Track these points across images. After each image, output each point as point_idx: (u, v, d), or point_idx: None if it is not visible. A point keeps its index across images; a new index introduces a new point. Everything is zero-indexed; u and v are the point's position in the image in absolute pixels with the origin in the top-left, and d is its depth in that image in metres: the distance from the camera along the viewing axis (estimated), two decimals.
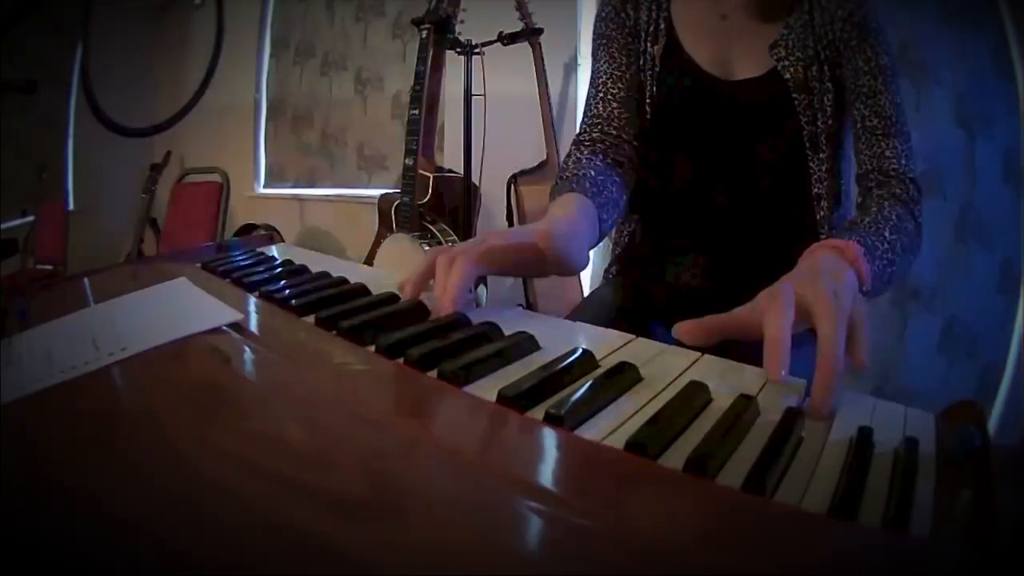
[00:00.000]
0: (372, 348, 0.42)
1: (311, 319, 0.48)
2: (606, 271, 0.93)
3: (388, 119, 2.90)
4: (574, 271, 0.60)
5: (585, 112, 0.83)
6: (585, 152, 0.78)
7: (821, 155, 0.74)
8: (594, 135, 0.80)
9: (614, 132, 0.80)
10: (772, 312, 0.41)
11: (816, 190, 0.75)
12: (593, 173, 0.72)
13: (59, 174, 3.62)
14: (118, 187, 3.55)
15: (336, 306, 0.50)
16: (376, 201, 2.10)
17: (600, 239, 0.71)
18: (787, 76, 0.73)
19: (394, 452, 0.29)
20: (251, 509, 0.24)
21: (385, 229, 2.05)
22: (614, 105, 0.80)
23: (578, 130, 0.82)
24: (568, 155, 0.80)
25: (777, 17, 0.75)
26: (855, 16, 0.71)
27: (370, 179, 3.00)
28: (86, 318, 0.51)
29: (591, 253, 0.69)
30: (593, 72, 0.84)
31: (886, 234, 0.61)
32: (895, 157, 0.70)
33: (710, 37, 0.79)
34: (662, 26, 0.80)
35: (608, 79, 0.81)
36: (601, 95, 0.81)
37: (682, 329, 0.45)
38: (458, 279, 0.49)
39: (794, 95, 0.73)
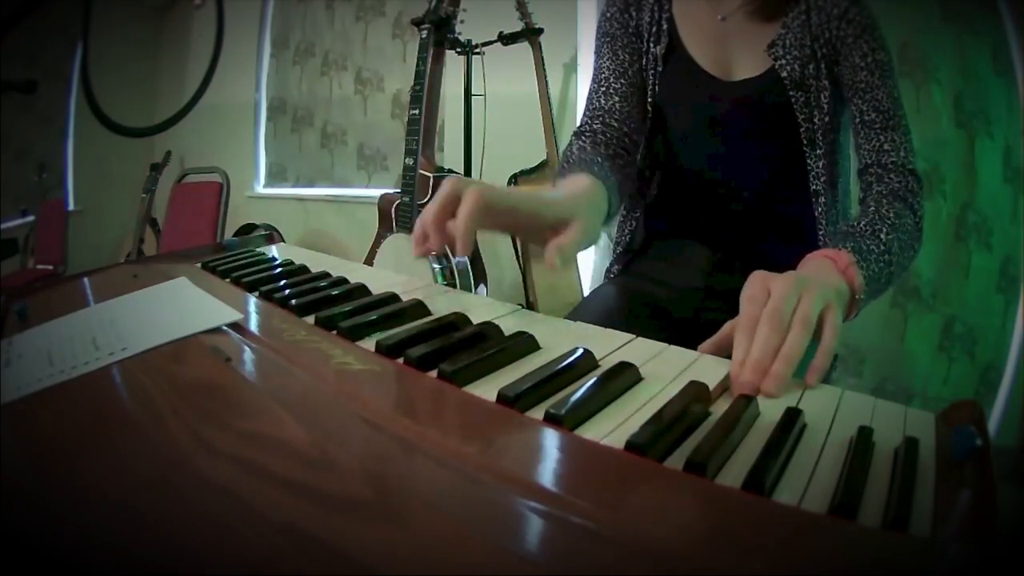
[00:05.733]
0: (372, 348, 0.42)
1: (311, 319, 0.48)
2: (607, 271, 0.93)
3: (388, 119, 2.90)
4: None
5: (586, 106, 0.83)
6: (587, 143, 0.78)
7: (818, 151, 0.75)
8: (595, 127, 0.80)
9: (615, 125, 0.80)
10: (737, 338, 0.44)
11: (814, 186, 0.76)
12: (599, 159, 0.72)
13: (59, 174, 3.62)
14: (118, 187, 3.54)
15: (336, 306, 0.50)
16: (376, 201, 2.10)
17: (608, 220, 0.71)
18: (784, 75, 0.74)
19: (394, 452, 0.29)
20: (251, 509, 0.24)
21: (385, 229, 2.04)
22: (616, 99, 0.81)
23: (578, 123, 0.83)
24: (569, 145, 0.80)
25: (775, 17, 0.76)
26: (850, 13, 0.72)
27: (370, 179, 3.00)
28: (86, 318, 0.51)
29: (591, 250, 0.69)
30: (596, 69, 0.84)
31: (882, 236, 0.62)
32: (894, 150, 0.70)
33: (710, 38, 0.79)
34: (664, 27, 0.81)
35: (611, 75, 0.82)
36: (603, 89, 0.82)
37: (702, 349, 0.47)
38: (472, 205, 0.48)
39: (791, 93, 0.74)
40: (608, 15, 0.84)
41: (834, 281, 0.52)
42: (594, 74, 0.84)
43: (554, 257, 0.49)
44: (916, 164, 0.71)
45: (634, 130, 0.81)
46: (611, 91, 0.81)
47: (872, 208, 0.66)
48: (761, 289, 0.46)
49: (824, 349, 0.44)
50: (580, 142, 0.79)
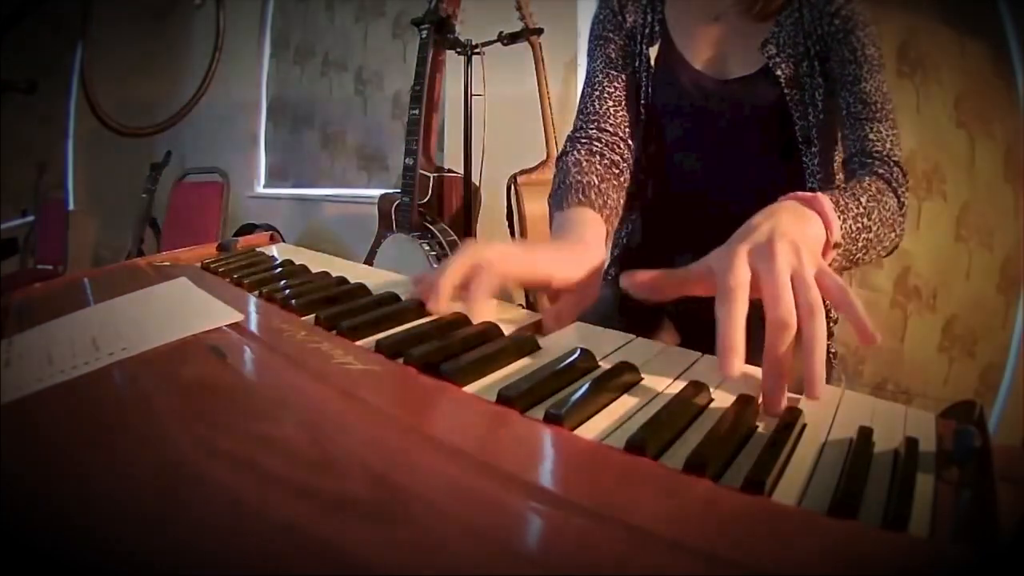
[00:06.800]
0: (372, 348, 0.42)
1: (311, 319, 0.48)
2: (605, 272, 0.93)
3: (388, 119, 2.90)
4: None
5: (580, 110, 0.83)
6: (583, 152, 0.78)
7: (813, 149, 0.75)
8: (590, 132, 0.80)
9: (610, 129, 0.80)
10: (724, 308, 0.39)
11: (810, 184, 0.76)
12: (596, 180, 0.72)
13: (59, 174, 3.62)
14: (118, 187, 3.54)
15: (336, 306, 0.50)
16: (376, 201, 2.10)
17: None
18: (778, 73, 0.74)
19: (394, 452, 0.29)
20: (251, 509, 0.24)
21: (385, 229, 2.05)
22: (610, 103, 0.81)
23: (572, 127, 0.82)
24: (564, 152, 0.79)
25: (768, 16, 0.76)
26: (843, 10, 0.72)
27: (370, 179, 3.01)
28: (86, 318, 0.51)
29: None
30: (589, 72, 0.84)
31: (862, 199, 0.59)
32: (879, 140, 0.69)
33: (703, 37, 0.79)
34: (656, 28, 0.81)
35: (604, 78, 0.82)
36: (597, 93, 0.82)
37: (631, 278, 0.46)
38: (486, 292, 0.48)
39: (786, 91, 0.74)
40: (600, 17, 0.85)
41: (815, 229, 0.49)
42: (587, 77, 0.84)
43: (552, 323, 0.49)
44: (901, 157, 0.69)
45: (629, 135, 0.81)
46: (605, 95, 0.81)
47: (855, 182, 0.64)
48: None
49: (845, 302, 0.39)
50: (576, 153, 0.78)
